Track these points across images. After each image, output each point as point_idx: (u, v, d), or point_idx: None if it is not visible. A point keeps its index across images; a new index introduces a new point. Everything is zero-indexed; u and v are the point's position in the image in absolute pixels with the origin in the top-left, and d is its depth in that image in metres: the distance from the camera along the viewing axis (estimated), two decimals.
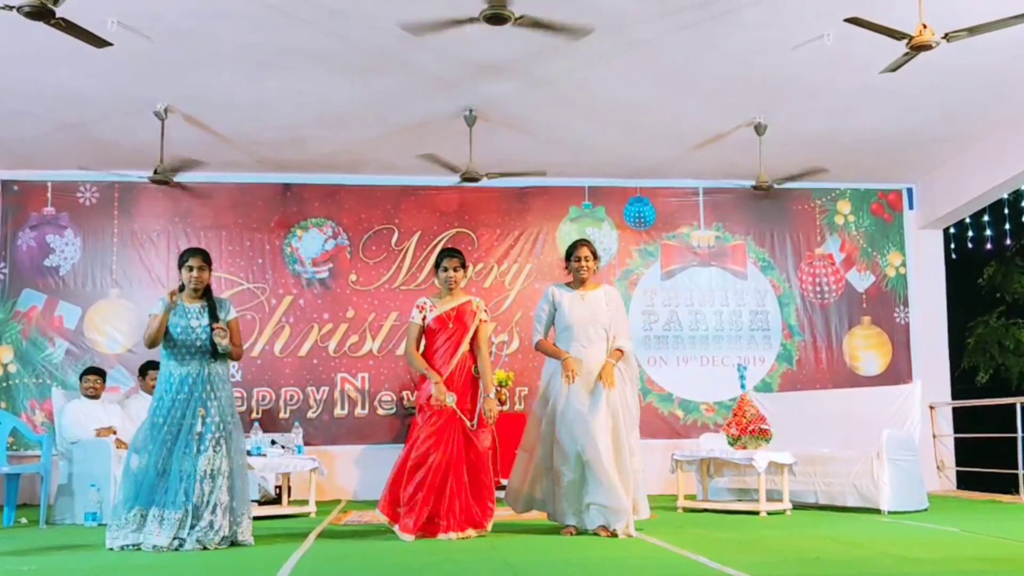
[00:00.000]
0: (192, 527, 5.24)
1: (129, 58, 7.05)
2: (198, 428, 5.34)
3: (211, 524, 5.27)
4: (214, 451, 5.36)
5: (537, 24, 6.26)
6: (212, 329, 5.43)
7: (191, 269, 5.52)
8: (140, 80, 7.57)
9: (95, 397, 8.04)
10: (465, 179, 8.59)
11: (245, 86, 7.75)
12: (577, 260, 6.06)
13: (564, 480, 5.81)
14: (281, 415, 9.69)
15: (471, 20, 6.18)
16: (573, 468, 5.78)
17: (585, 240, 6.21)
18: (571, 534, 5.81)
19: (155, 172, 8.41)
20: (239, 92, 7.87)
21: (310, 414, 9.77)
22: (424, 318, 5.91)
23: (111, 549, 5.25)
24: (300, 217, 10.10)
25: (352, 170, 10.02)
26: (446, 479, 5.67)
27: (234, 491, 5.42)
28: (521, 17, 6.14)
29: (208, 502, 5.30)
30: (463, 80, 7.71)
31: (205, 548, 5.21)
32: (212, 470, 5.34)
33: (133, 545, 5.23)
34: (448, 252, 6.07)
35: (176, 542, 5.20)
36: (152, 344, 5.48)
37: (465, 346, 5.87)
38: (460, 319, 5.90)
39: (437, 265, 6.04)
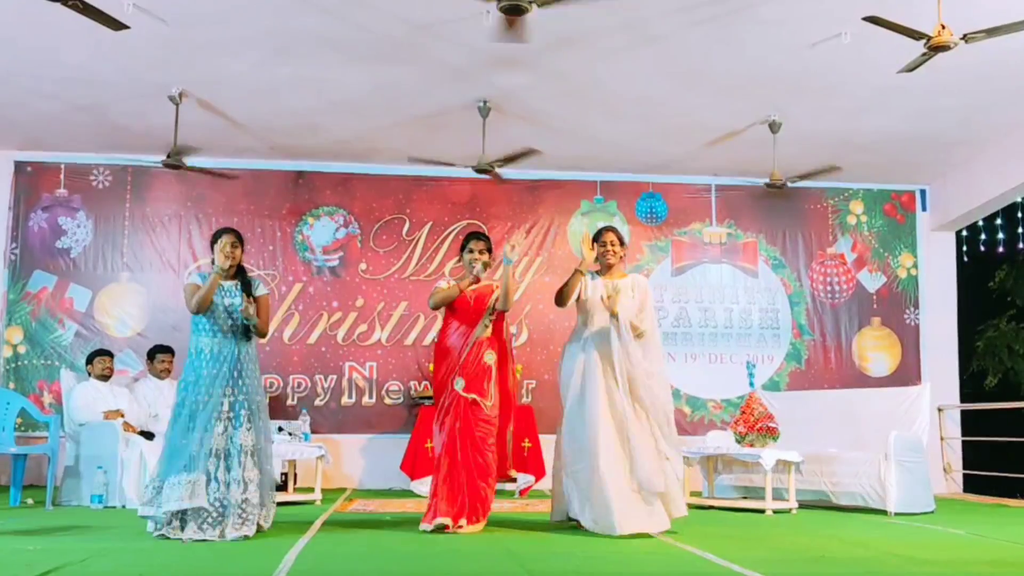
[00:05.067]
0: (225, 504, 5.16)
1: (145, 41, 7.04)
2: (225, 407, 5.27)
3: (246, 501, 5.21)
4: (245, 428, 5.30)
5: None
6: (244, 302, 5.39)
7: (224, 246, 5.48)
8: (155, 64, 7.57)
9: (107, 378, 8.07)
10: (478, 170, 8.59)
11: (260, 72, 7.74)
12: (603, 245, 5.88)
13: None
14: (288, 402, 9.70)
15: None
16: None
17: (611, 226, 6.04)
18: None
19: (168, 156, 8.41)
20: (253, 77, 7.86)
21: (317, 402, 9.78)
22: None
23: (156, 518, 5.12)
24: (312, 205, 10.09)
25: (364, 159, 10.00)
26: (460, 469, 5.58)
27: (261, 472, 5.37)
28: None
29: (244, 479, 5.23)
30: (478, 71, 7.69)
31: (247, 536, 5.14)
32: (245, 447, 5.27)
33: (184, 511, 5.10)
34: (476, 234, 6.04)
35: (218, 515, 5.13)
36: (200, 309, 5.35)
37: (479, 330, 5.76)
38: (481, 300, 5.82)
39: (463, 247, 5.97)
